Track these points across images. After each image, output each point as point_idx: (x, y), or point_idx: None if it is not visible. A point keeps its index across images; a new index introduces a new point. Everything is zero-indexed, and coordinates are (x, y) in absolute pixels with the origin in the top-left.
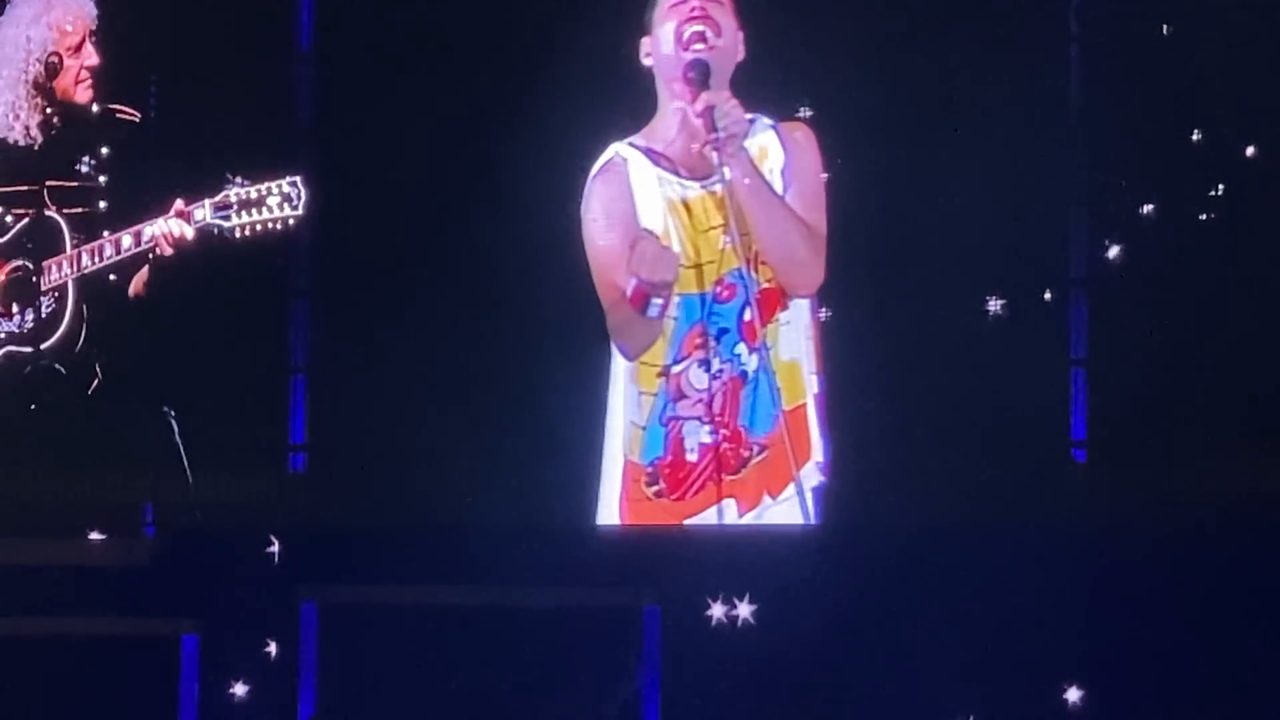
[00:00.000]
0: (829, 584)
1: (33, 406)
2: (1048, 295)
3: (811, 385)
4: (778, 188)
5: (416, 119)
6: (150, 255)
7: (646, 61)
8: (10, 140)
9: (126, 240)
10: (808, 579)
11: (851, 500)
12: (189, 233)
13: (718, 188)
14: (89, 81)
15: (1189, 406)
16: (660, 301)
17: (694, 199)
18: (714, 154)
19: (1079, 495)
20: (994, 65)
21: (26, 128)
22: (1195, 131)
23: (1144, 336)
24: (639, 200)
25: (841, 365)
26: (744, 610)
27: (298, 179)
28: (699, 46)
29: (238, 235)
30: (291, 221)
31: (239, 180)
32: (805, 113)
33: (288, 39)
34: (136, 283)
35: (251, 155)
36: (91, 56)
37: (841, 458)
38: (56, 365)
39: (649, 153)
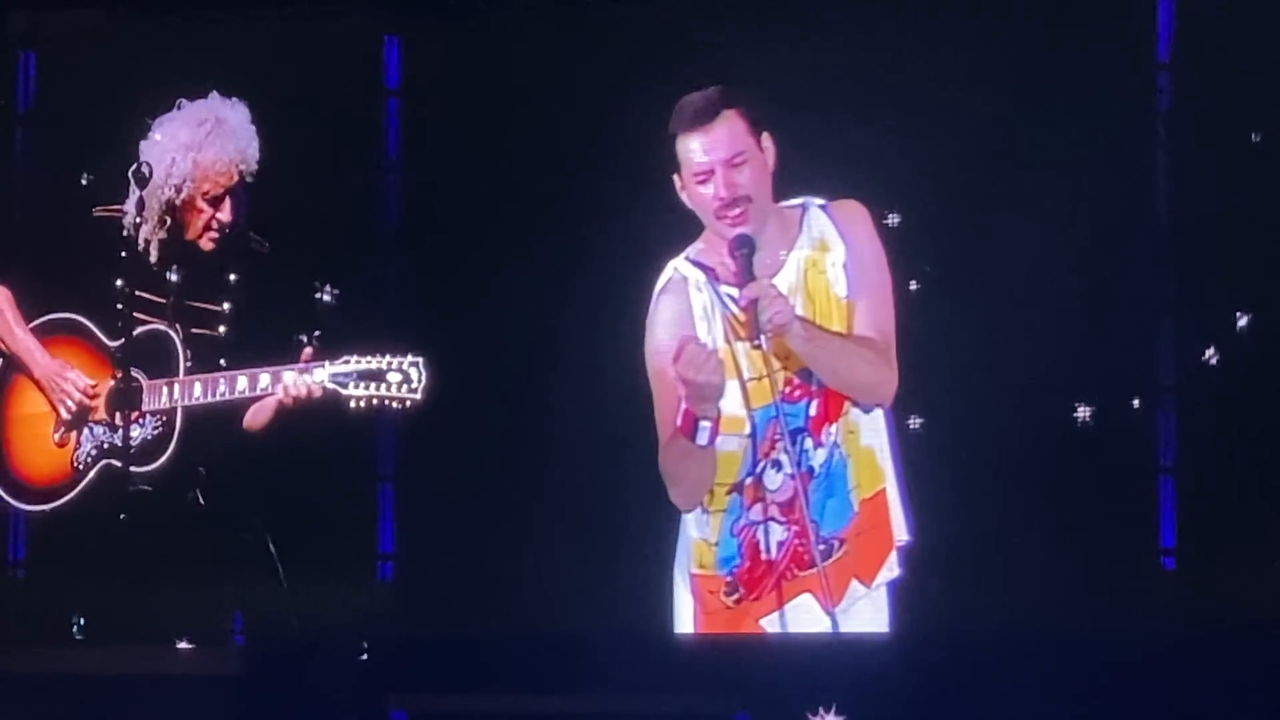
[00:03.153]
0: (914, 691)
1: (122, 516)
2: (1136, 403)
3: (890, 470)
4: (841, 285)
5: (494, 223)
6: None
7: (683, 196)
8: (126, 233)
9: (242, 381)
10: (892, 686)
11: (937, 606)
12: (317, 390)
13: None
14: (215, 234)
15: (1278, 514)
16: (708, 425)
17: None
18: (759, 340)
19: (1168, 602)
20: (1081, 172)
21: (148, 238)
22: None
23: (1233, 444)
24: (698, 319)
25: (929, 471)
26: None
27: (420, 360)
28: (737, 216)
29: (351, 406)
30: (408, 404)
31: (328, 289)
32: (894, 220)
33: (377, 148)
34: (257, 417)
35: (340, 263)
36: (226, 212)
37: (927, 563)
38: (148, 487)
39: (705, 268)
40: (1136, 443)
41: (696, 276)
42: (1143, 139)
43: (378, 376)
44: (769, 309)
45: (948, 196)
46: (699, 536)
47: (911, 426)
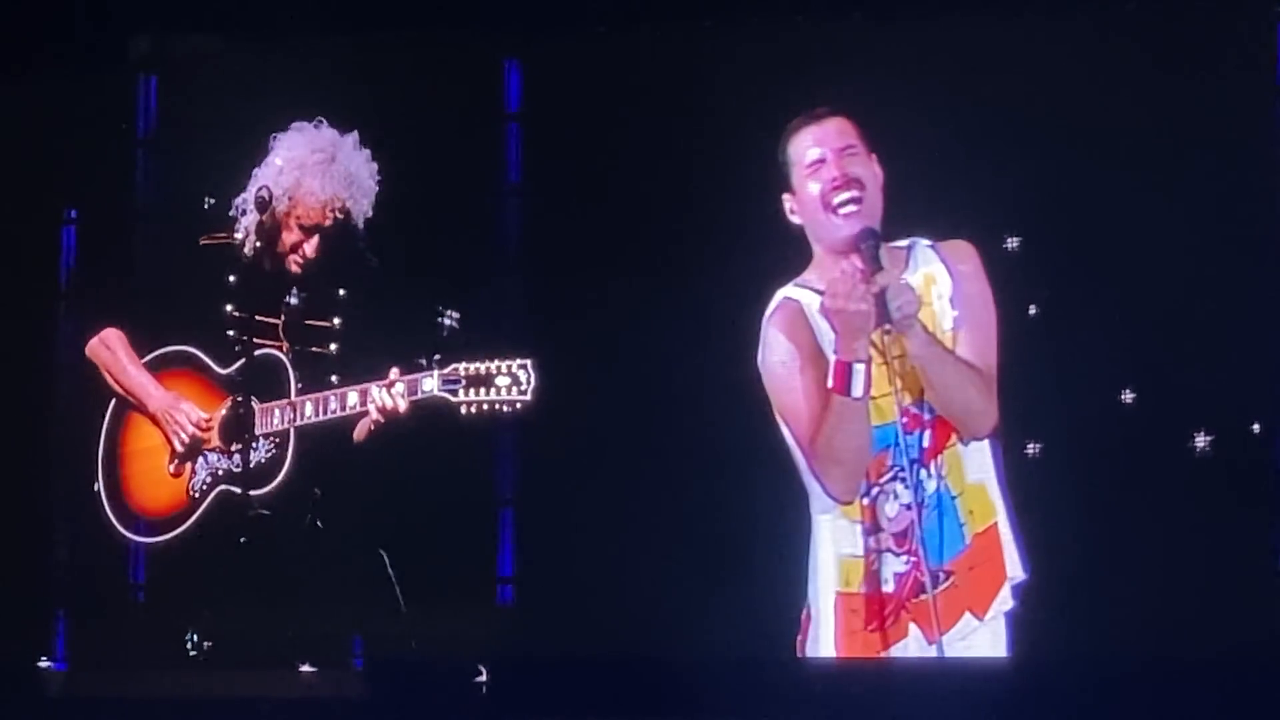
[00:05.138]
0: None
1: (242, 540)
2: (1256, 427)
3: (1000, 504)
4: (947, 317)
5: (614, 246)
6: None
7: (794, 219)
8: (245, 257)
9: (353, 397)
10: (1013, 715)
11: (1052, 633)
12: (402, 405)
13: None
14: (299, 261)
15: None
16: (862, 368)
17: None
18: (886, 335)
19: None
20: (1201, 198)
21: (260, 256)
22: None
23: None
24: (822, 338)
25: (1046, 499)
26: None
27: (528, 362)
28: (851, 208)
29: (463, 412)
30: (519, 406)
31: (451, 314)
32: (1013, 243)
33: (497, 172)
34: (362, 429)
35: (461, 286)
36: (313, 247)
37: (1043, 590)
38: (267, 511)
39: (817, 292)
40: (1257, 468)
41: (811, 300)
42: (1262, 164)
43: (486, 380)
44: (898, 297)
45: (1068, 221)
46: (848, 551)
47: (1029, 454)
